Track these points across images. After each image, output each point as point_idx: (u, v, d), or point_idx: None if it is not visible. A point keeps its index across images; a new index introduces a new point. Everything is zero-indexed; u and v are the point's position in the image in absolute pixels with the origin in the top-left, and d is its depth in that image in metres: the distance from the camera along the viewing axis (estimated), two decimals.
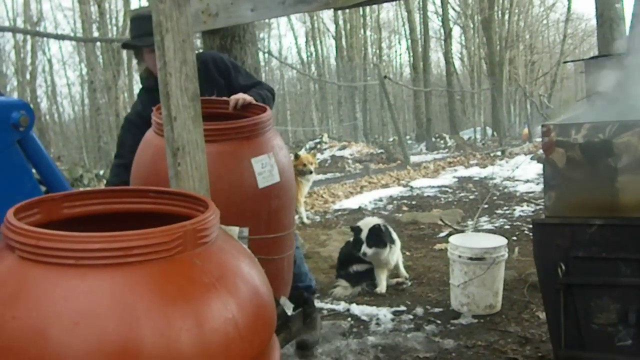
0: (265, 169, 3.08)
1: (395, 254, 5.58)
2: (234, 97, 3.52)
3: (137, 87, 37.73)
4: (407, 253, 6.12)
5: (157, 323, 1.48)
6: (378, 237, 5.44)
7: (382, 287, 5.47)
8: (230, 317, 1.57)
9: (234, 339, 1.57)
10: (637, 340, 2.88)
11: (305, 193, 9.51)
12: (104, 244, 1.51)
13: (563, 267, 2.93)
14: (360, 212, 9.75)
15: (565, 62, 35.53)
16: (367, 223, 5.62)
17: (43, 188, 2.97)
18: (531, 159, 15.00)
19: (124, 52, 28.41)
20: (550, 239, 2.97)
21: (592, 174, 2.90)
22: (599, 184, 2.91)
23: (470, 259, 4.60)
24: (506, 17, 37.43)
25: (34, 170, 2.96)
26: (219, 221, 1.78)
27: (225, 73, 3.90)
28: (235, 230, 2.36)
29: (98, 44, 27.93)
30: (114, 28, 31.19)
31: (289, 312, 3.48)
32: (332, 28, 39.93)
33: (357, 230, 5.56)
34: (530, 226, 3.55)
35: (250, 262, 1.80)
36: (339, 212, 10.03)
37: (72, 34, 29.89)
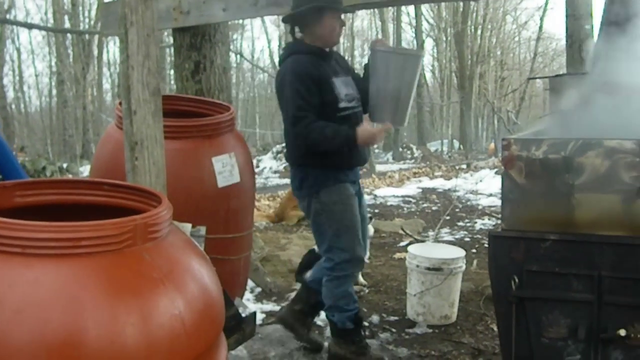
0: (226, 169, 3.08)
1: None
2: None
3: (105, 81, 37.56)
4: (367, 261, 6.12)
5: (101, 316, 1.47)
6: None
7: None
8: (177, 313, 1.56)
9: (179, 335, 1.56)
10: (585, 356, 2.90)
11: None
12: (52, 234, 1.50)
13: (516, 280, 2.94)
14: None
15: (530, 79, 35.85)
16: None
17: None
18: (496, 173, 15.10)
19: (95, 46, 28.14)
20: (505, 252, 2.99)
21: (550, 189, 2.92)
22: (555, 200, 2.93)
23: (428, 269, 4.61)
24: (479, 32, 37.74)
25: None
26: (172, 217, 1.77)
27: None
28: (187, 227, 2.35)
29: (69, 36, 27.64)
30: (86, 20, 30.87)
31: (244, 313, 3.46)
32: None
33: None
34: None
35: (201, 260, 1.79)
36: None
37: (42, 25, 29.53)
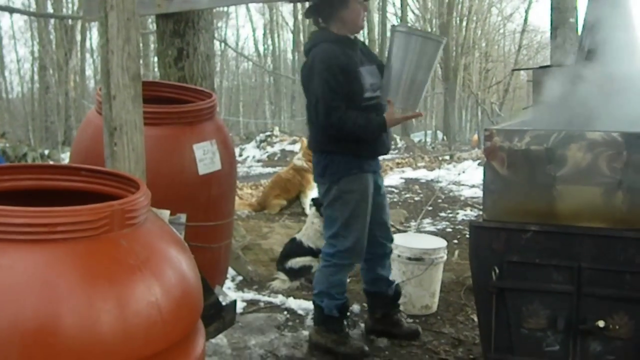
0: (207, 156, 3.05)
1: None
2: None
3: (88, 68, 37.32)
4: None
5: (77, 303, 1.45)
6: None
7: None
8: (154, 300, 1.55)
9: (155, 323, 1.54)
10: (564, 346, 2.92)
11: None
12: (27, 219, 1.47)
13: (497, 271, 2.95)
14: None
15: (514, 70, 35.95)
16: None
17: None
18: (478, 164, 15.10)
19: (78, 32, 27.89)
20: (486, 242, 3.00)
21: (531, 180, 2.93)
22: (537, 191, 2.94)
23: (409, 258, 4.61)
24: (464, 23, 37.75)
25: None
26: (150, 203, 1.75)
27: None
28: (166, 213, 2.32)
29: (51, 21, 27.37)
30: (69, 5, 30.61)
31: (224, 302, 3.45)
32: (291, 22, 39.90)
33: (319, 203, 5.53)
34: None
35: (179, 247, 1.77)
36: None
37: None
